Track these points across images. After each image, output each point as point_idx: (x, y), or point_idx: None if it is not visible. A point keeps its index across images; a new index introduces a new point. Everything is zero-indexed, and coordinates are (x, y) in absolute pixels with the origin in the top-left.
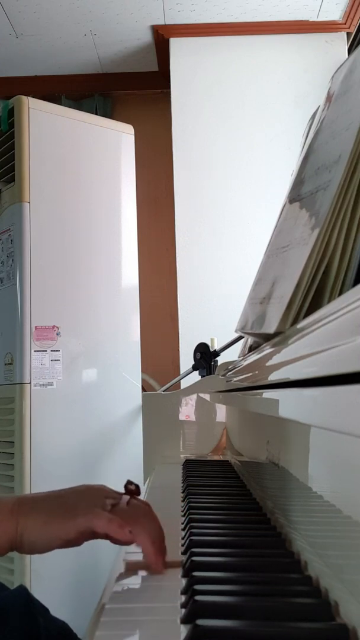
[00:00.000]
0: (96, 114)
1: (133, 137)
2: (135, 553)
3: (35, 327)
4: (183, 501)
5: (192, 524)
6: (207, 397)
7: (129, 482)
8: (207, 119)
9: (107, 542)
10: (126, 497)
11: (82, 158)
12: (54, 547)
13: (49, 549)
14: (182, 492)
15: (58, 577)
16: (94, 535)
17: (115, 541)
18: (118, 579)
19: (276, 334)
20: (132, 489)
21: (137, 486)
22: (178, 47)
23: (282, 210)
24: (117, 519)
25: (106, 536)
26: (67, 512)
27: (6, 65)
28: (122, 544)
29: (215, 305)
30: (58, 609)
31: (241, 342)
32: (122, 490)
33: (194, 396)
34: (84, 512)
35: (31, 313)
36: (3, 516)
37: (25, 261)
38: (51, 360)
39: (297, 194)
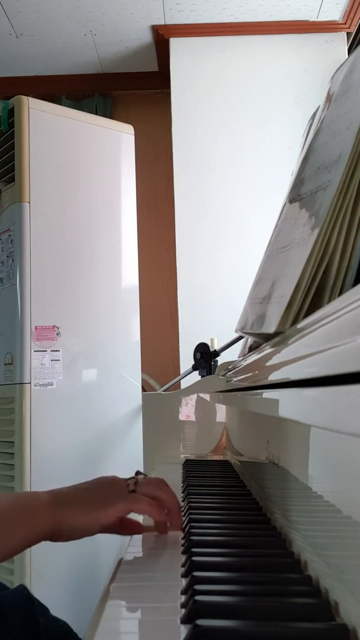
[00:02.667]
0: (96, 114)
1: (133, 137)
2: (135, 553)
3: (35, 327)
4: (183, 501)
5: (192, 524)
6: (207, 397)
7: (138, 472)
8: (207, 119)
9: (107, 542)
10: (141, 476)
11: (82, 158)
12: (90, 533)
13: (86, 535)
14: (182, 492)
15: (58, 577)
16: (115, 525)
17: (124, 532)
18: (118, 579)
19: (276, 334)
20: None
21: (145, 475)
22: (178, 47)
23: (282, 210)
24: (155, 502)
25: (121, 528)
26: (104, 500)
27: (6, 65)
28: (128, 534)
29: (215, 305)
30: (58, 609)
31: (241, 342)
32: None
33: (194, 396)
34: (122, 498)
35: (31, 313)
36: (41, 509)
37: (25, 261)
38: (51, 360)
39: (297, 194)
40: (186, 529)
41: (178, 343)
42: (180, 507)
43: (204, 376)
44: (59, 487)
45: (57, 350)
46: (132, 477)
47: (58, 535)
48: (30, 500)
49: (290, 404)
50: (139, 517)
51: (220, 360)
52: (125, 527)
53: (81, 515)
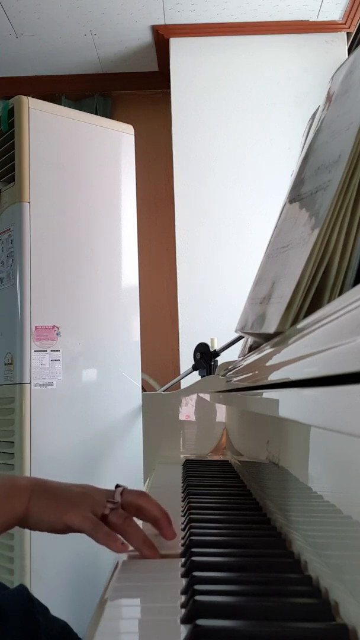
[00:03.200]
0: (96, 114)
1: (133, 137)
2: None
3: (35, 327)
4: (183, 501)
5: (192, 524)
6: (207, 397)
7: (117, 486)
8: (207, 119)
9: None
10: (120, 489)
11: (82, 158)
12: (56, 530)
13: (52, 530)
14: (182, 492)
15: (58, 577)
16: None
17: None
18: (118, 579)
19: (276, 334)
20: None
21: (123, 490)
22: (178, 47)
23: (282, 210)
24: (113, 533)
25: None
26: (77, 503)
27: (6, 65)
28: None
29: (215, 305)
30: (58, 609)
31: (241, 342)
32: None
33: (194, 396)
34: (89, 519)
35: (31, 313)
36: (19, 492)
37: (25, 261)
38: (51, 360)
39: (297, 194)
40: (186, 529)
41: (178, 343)
42: (144, 542)
43: (204, 376)
44: (46, 479)
45: (57, 350)
46: (114, 503)
47: (26, 522)
48: (8, 484)
49: (290, 404)
50: (138, 521)
51: (220, 360)
52: (101, 538)
53: (50, 509)
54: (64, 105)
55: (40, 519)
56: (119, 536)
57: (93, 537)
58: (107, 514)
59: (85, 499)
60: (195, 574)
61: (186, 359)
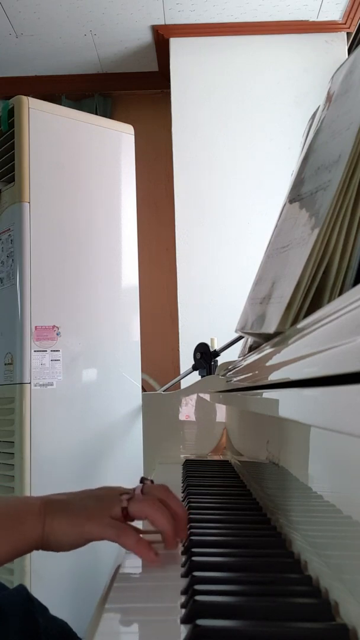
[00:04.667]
0: (96, 114)
1: (133, 137)
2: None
3: (35, 327)
4: (183, 501)
5: (192, 524)
6: (207, 397)
7: (143, 479)
8: (207, 119)
9: (107, 542)
10: (139, 486)
11: (82, 158)
12: (79, 545)
13: (74, 547)
14: (182, 492)
15: (58, 577)
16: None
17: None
18: (118, 579)
19: (276, 334)
20: (147, 484)
21: (151, 481)
22: (178, 47)
23: (282, 210)
24: (143, 541)
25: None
26: (93, 513)
27: (6, 65)
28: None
29: (215, 305)
30: (58, 609)
31: (241, 342)
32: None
33: (194, 396)
34: (110, 523)
35: (31, 313)
36: (31, 517)
37: (25, 261)
38: (51, 360)
39: (297, 194)
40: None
41: (178, 343)
42: (181, 526)
43: (204, 376)
44: (56, 493)
45: (57, 350)
46: (129, 493)
47: (47, 545)
48: (21, 507)
49: (290, 404)
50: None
51: (220, 360)
52: (130, 545)
53: (68, 528)
54: (64, 105)
55: (59, 540)
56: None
57: (120, 544)
58: (127, 507)
59: (100, 506)
60: (195, 574)
61: (186, 359)
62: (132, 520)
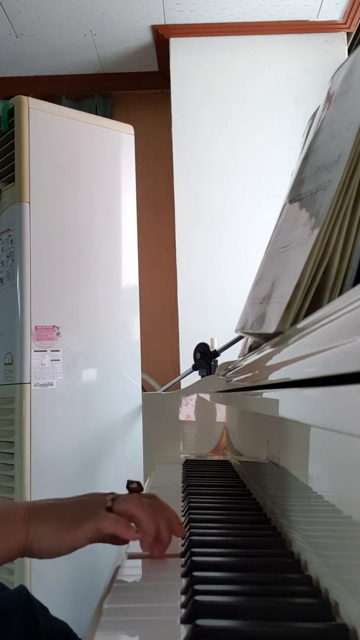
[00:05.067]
0: (96, 114)
1: (133, 137)
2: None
3: (35, 327)
4: (183, 501)
5: (192, 524)
6: (207, 397)
7: (130, 482)
8: (207, 119)
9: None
10: (122, 494)
11: (82, 158)
12: (63, 554)
13: (58, 555)
14: (182, 492)
15: (58, 577)
16: (101, 538)
17: (118, 542)
18: (118, 579)
19: (276, 334)
20: (134, 487)
21: (138, 483)
22: (178, 47)
23: (282, 210)
24: (122, 519)
25: (112, 538)
26: (75, 521)
27: (6, 65)
28: (123, 543)
29: (215, 305)
30: (58, 609)
31: (241, 342)
32: (125, 492)
33: (194, 396)
34: (90, 516)
35: (31, 313)
36: (16, 524)
37: (25, 261)
38: (51, 360)
39: (297, 194)
40: (186, 529)
41: (178, 343)
42: (176, 522)
43: (204, 376)
44: (42, 500)
45: (57, 350)
46: (112, 493)
47: (30, 552)
48: (6, 514)
49: (290, 404)
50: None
51: (220, 360)
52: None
53: (51, 536)
54: (64, 105)
55: (42, 548)
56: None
57: (100, 529)
58: (111, 506)
59: (84, 511)
60: (195, 574)
61: (186, 359)
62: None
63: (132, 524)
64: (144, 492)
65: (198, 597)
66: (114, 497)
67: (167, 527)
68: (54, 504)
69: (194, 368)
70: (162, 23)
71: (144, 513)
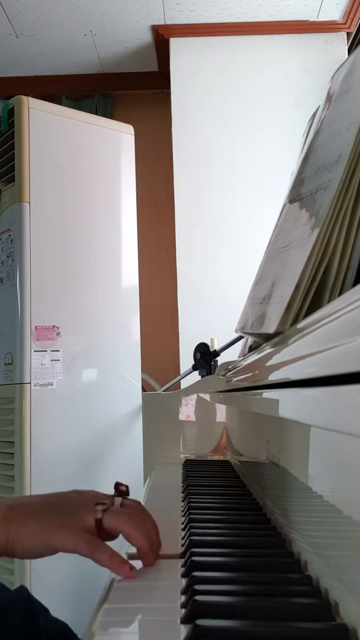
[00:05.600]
0: (96, 114)
1: (133, 137)
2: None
3: (35, 327)
4: (183, 501)
5: (192, 524)
6: (207, 397)
7: (118, 484)
8: (207, 119)
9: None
10: (118, 499)
11: (82, 158)
12: (47, 555)
13: (42, 556)
14: (182, 492)
15: (58, 578)
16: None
17: (107, 539)
18: (118, 579)
19: (276, 334)
20: (122, 490)
21: (126, 487)
22: (178, 47)
23: (282, 210)
24: (118, 555)
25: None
26: (64, 521)
27: (6, 65)
28: (112, 539)
29: (215, 305)
30: (58, 609)
31: (241, 342)
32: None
33: (194, 396)
34: (84, 537)
35: (31, 313)
36: None
37: (25, 261)
38: (51, 360)
39: (297, 194)
40: (186, 529)
41: (178, 343)
42: (157, 534)
43: (204, 376)
44: (25, 496)
45: (57, 350)
46: (104, 503)
47: (12, 552)
48: None
49: (290, 404)
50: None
51: (220, 360)
52: (103, 560)
53: (37, 536)
54: (64, 105)
55: (25, 548)
56: (128, 561)
57: (93, 559)
58: (101, 518)
59: (72, 515)
60: (195, 574)
61: (186, 359)
62: (105, 532)
63: (127, 559)
64: (129, 497)
65: (198, 597)
66: (105, 508)
67: (156, 536)
68: (39, 502)
69: (194, 368)
70: (162, 23)
71: (136, 530)
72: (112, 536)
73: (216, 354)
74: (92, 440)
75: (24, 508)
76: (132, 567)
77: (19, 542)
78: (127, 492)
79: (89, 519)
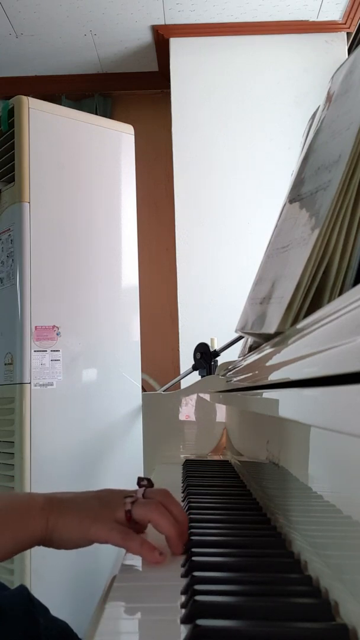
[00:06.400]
0: (96, 114)
1: (133, 137)
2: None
3: (35, 327)
4: (183, 501)
5: (192, 524)
6: (207, 397)
7: (140, 479)
8: (207, 119)
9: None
10: (141, 489)
11: (82, 158)
12: (81, 546)
13: (76, 547)
14: (182, 492)
15: (58, 577)
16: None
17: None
18: (118, 579)
19: (276, 334)
20: (145, 484)
21: (149, 480)
22: (178, 47)
23: (282, 210)
24: (148, 542)
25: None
26: (98, 515)
27: (6, 65)
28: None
29: (215, 305)
30: (58, 609)
31: (241, 342)
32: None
33: (194, 396)
34: (117, 528)
35: (31, 313)
36: (35, 513)
37: (25, 261)
38: (51, 360)
39: (297, 194)
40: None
41: (178, 343)
42: (183, 530)
43: (204, 376)
44: (59, 492)
45: (57, 350)
46: (132, 496)
47: (49, 542)
48: (25, 502)
49: (290, 404)
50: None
51: (220, 360)
52: (135, 548)
53: (74, 528)
54: (64, 105)
55: (63, 539)
56: (155, 547)
57: (125, 548)
58: (130, 510)
59: (105, 508)
60: (195, 574)
61: (186, 359)
62: (136, 523)
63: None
64: (154, 487)
65: (198, 597)
66: (134, 499)
67: (184, 522)
68: (74, 497)
69: (194, 368)
70: (162, 23)
71: (162, 518)
72: (142, 527)
73: (216, 354)
74: (92, 440)
75: (61, 502)
76: (161, 553)
77: (57, 533)
78: (150, 484)
79: (119, 512)
